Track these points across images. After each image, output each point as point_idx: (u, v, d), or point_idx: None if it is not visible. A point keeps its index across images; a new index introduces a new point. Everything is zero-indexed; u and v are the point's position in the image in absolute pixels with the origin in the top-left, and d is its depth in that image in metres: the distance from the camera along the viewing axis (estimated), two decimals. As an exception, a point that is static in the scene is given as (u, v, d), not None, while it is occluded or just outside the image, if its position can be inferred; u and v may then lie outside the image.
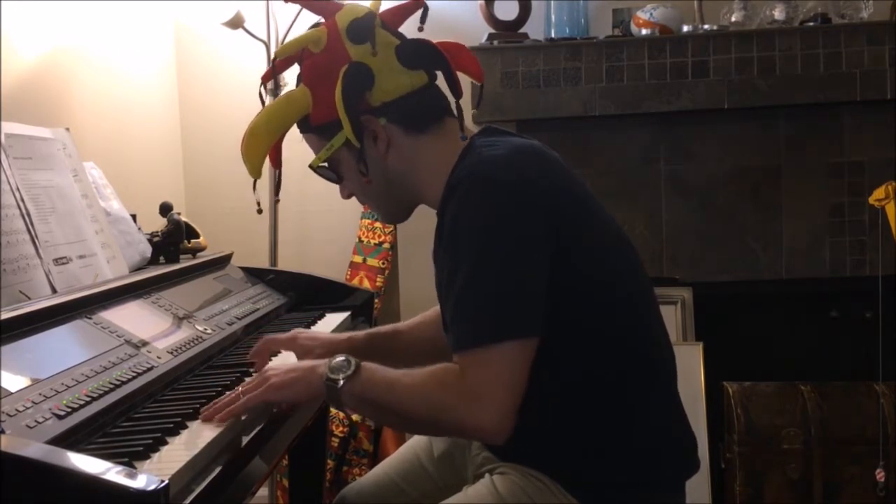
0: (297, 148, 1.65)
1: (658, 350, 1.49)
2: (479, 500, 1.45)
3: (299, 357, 1.65)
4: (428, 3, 1.55)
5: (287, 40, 2.97)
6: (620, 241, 1.51)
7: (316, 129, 1.49)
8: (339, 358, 1.38)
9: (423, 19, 1.52)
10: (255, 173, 1.54)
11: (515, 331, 1.31)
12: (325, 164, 1.52)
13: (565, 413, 1.42)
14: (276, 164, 1.59)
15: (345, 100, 1.41)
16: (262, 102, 1.55)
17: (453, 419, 1.32)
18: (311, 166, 1.52)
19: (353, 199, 1.60)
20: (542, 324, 1.33)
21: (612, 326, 1.42)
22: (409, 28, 1.54)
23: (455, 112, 1.50)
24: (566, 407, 1.42)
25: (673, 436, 1.50)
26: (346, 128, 1.42)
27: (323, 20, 1.50)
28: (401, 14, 1.54)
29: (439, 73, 1.52)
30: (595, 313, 1.41)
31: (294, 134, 1.57)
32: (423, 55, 1.47)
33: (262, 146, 1.51)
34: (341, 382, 1.35)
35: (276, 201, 1.63)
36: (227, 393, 1.42)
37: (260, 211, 1.63)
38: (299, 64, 1.50)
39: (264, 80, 1.59)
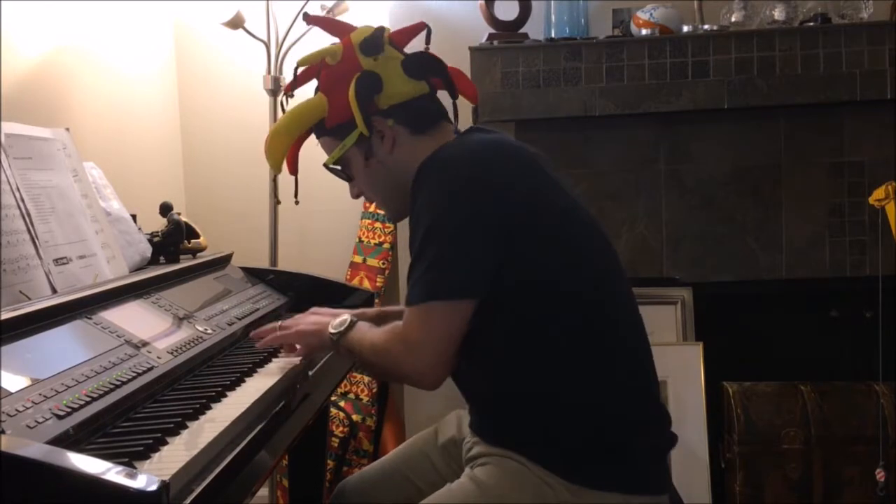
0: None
1: (626, 328, 1.60)
2: (461, 491, 1.55)
3: None
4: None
5: (286, 41, 3.00)
6: (584, 223, 1.60)
7: (330, 132, 1.68)
8: (342, 317, 1.66)
9: (427, 40, 1.75)
10: (276, 169, 1.77)
11: (449, 292, 1.49)
12: (339, 167, 1.71)
13: (534, 386, 1.53)
14: (293, 171, 1.80)
15: (357, 96, 1.61)
16: (283, 110, 1.75)
17: (394, 363, 1.55)
18: (325, 165, 1.71)
19: (352, 200, 1.82)
20: (480, 289, 1.49)
21: (574, 300, 1.53)
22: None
23: (452, 117, 1.71)
24: (534, 380, 1.53)
25: (641, 404, 1.59)
26: (358, 118, 1.61)
27: (339, 39, 1.69)
28: (407, 34, 1.74)
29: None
30: (555, 286, 1.52)
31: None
32: (425, 66, 1.68)
33: (282, 145, 1.72)
34: (336, 337, 1.64)
35: (296, 203, 1.88)
36: (270, 325, 1.77)
37: (279, 202, 1.86)
38: (317, 77, 1.69)
39: (287, 90, 1.75)
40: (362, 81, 1.62)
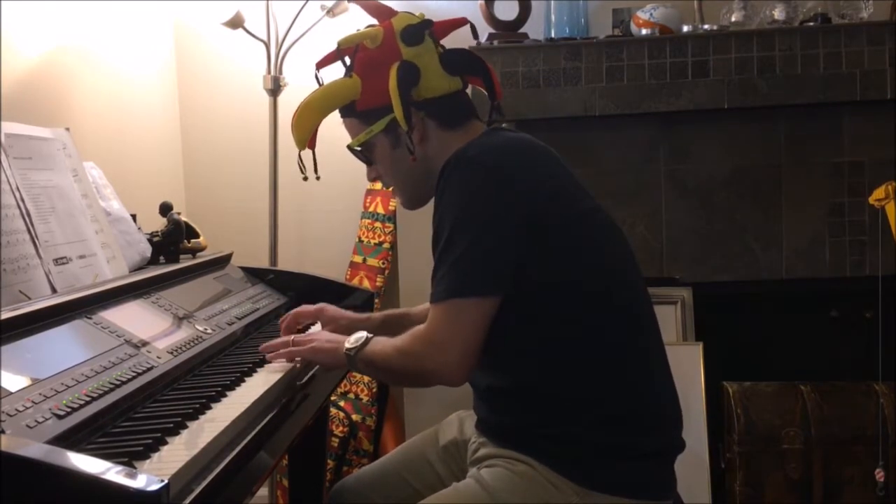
0: (294, 146, 1.74)
1: (641, 330, 1.59)
2: (467, 492, 1.55)
3: (324, 325, 1.86)
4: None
5: (286, 41, 3.00)
6: (604, 225, 1.61)
7: (359, 114, 1.67)
8: (358, 334, 1.63)
9: (474, 35, 1.80)
10: (301, 145, 1.73)
11: (474, 289, 1.49)
12: (360, 148, 1.70)
13: (547, 385, 1.53)
14: (312, 145, 1.77)
15: (399, 88, 1.60)
16: (319, 83, 1.72)
17: (417, 363, 1.53)
18: (349, 147, 1.71)
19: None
20: (505, 286, 1.50)
21: (594, 300, 1.54)
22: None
23: (488, 114, 1.71)
24: (548, 378, 1.53)
25: (653, 407, 1.59)
26: (398, 112, 1.59)
27: (378, 22, 1.69)
28: (447, 27, 1.74)
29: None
30: (576, 286, 1.53)
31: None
32: (463, 63, 1.68)
33: (311, 121, 1.70)
34: (353, 352, 1.61)
35: (317, 178, 1.84)
36: (282, 339, 1.72)
37: (306, 178, 1.82)
38: (351, 57, 1.67)
39: (320, 65, 1.73)
40: (402, 72, 1.61)
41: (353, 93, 1.66)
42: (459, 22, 1.77)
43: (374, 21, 1.71)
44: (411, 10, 1.74)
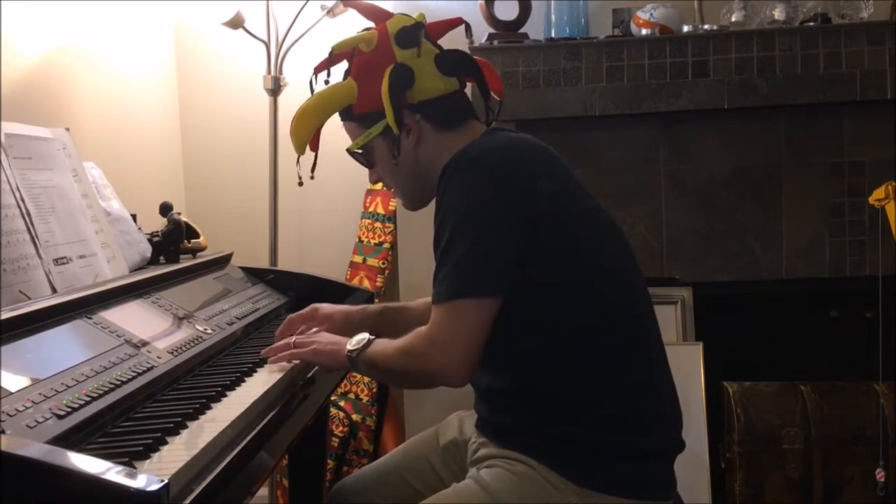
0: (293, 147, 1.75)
1: (642, 330, 1.59)
2: (466, 493, 1.55)
3: (319, 324, 1.82)
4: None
5: (286, 41, 3.00)
6: (604, 225, 1.62)
7: (357, 118, 1.68)
8: (360, 336, 1.63)
9: (468, 34, 1.80)
10: (300, 150, 1.74)
11: (475, 290, 1.49)
12: (360, 151, 1.70)
13: (547, 385, 1.54)
14: (315, 147, 1.78)
15: (390, 92, 1.61)
16: (312, 90, 1.72)
17: (418, 364, 1.53)
18: (348, 150, 1.71)
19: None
20: (506, 287, 1.50)
21: (595, 301, 1.54)
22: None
23: (485, 115, 1.72)
24: (547, 378, 1.54)
25: (653, 406, 1.59)
26: (389, 115, 1.61)
27: (374, 25, 1.69)
28: (442, 28, 1.75)
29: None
30: (576, 287, 1.53)
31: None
32: (458, 64, 1.68)
33: (309, 126, 1.71)
34: (355, 354, 1.61)
35: (311, 177, 1.84)
36: (283, 341, 1.72)
37: (301, 183, 1.82)
38: (349, 60, 1.68)
39: (317, 70, 1.72)
40: (396, 75, 1.61)
41: (349, 97, 1.66)
42: (454, 22, 1.77)
43: (370, 24, 1.71)
44: (412, 10, 1.74)
